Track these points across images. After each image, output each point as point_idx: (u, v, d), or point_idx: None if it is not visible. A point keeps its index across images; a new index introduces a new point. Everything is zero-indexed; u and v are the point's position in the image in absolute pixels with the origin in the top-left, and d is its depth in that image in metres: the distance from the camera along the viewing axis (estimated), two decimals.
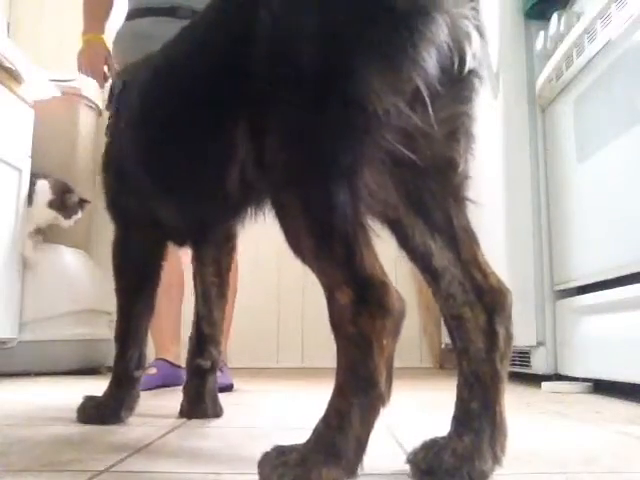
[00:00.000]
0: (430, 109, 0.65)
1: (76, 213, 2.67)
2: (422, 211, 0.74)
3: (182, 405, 1.29)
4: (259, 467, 0.66)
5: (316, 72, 0.65)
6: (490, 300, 0.73)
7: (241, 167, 0.81)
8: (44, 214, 2.58)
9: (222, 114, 0.81)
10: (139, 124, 1.10)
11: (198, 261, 1.31)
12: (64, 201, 2.62)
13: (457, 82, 0.70)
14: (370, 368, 0.63)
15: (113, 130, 1.27)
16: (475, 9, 0.69)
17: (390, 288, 0.64)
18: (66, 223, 2.64)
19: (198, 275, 1.31)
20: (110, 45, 2.02)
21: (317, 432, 0.65)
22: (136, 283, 1.21)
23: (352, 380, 0.64)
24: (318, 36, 0.66)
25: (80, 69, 2.03)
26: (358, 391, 0.64)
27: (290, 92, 0.66)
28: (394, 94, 0.64)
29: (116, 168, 1.21)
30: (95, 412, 1.18)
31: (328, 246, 0.65)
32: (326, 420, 0.65)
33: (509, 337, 0.73)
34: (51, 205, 2.58)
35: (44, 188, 2.58)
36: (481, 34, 0.70)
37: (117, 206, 1.22)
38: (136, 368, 1.22)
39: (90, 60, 1.99)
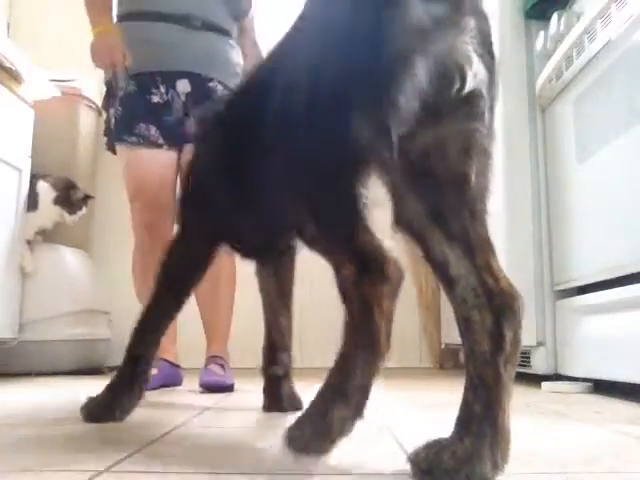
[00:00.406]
0: (395, 147, 0.72)
1: (80, 209, 2.67)
2: (441, 223, 0.78)
3: (264, 402, 1.41)
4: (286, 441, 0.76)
5: (312, 116, 0.76)
6: (499, 303, 0.74)
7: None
8: (50, 212, 2.58)
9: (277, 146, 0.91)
10: (221, 154, 1.20)
11: (262, 275, 1.44)
12: (69, 197, 2.62)
13: (466, 101, 0.75)
14: (372, 328, 0.71)
15: (199, 153, 1.40)
16: (478, 30, 0.74)
17: (388, 258, 0.73)
18: (70, 219, 2.64)
19: (263, 290, 1.44)
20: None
21: (325, 384, 0.74)
22: (177, 282, 1.29)
23: (356, 337, 0.73)
24: (313, 78, 0.77)
25: (97, 63, 1.90)
26: (362, 347, 0.72)
27: (297, 127, 0.78)
28: (377, 133, 0.72)
29: (197, 185, 1.33)
30: (93, 410, 1.20)
31: (335, 237, 0.77)
32: (332, 373, 0.74)
33: (516, 341, 0.74)
34: (56, 201, 2.58)
35: (45, 187, 2.58)
36: (482, 55, 0.75)
37: (190, 217, 1.32)
38: (144, 365, 1.26)
39: (106, 52, 1.87)
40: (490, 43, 0.77)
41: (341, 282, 0.75)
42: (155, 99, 1.93)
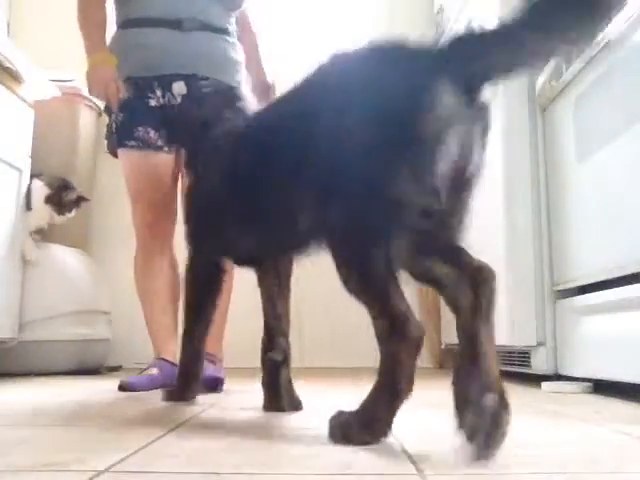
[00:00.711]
0: (443, 198, 0.90)
1: (70, 211, 2.64)
2: (436, 252, 0.97)
3: (263, 400, 1.41)
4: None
5: (364, 177, 0.92)
6: (474, 280, 0.93)
7: (304, 220, 1.06)
8: (42, 211, 2.57)
9: (296, 182, 1.05)
10: (231, 179, 1.32)
11: (261, 270, 1.49)
12: (61, 197, 2.60)
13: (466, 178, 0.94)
14: (395, 381, 0.94)
15: (199, 177, 1.54)
16: (482, 115, 0.93)
17: (412, 321, 0.93)
18: (58, 219, 2.62)
19: (261, 282, 1.48)
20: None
21: (358, 410, 0.97)
22: (203, 292, 1.53)
23: (384, 379, 0.96)
24: (366, 151, 0.91)
25: (92, 92, 1.96)
26: (385, 387, 0.95)
27: (344, 190, 0.94)
28: (417, 195, 0.89)
29: (201, 207, 1.49)
30: (171, 394, 1.57)
31: (369, 290, 0.96)
32: (368, 398, 0.97)
33: (490, 303, 0.93)
34: (47, 200, 2.57)
35: (39, 186, 2.57)
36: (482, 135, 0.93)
37: (197, 238, 1.51)
38: (197, 359, 1.57)
39: (102, 85, 1.91)
40: (488, 125, 0.95)
41: (376, 332, 0.95)
42: (152, 103, 1.96)
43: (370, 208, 0.92)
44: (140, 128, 1.95)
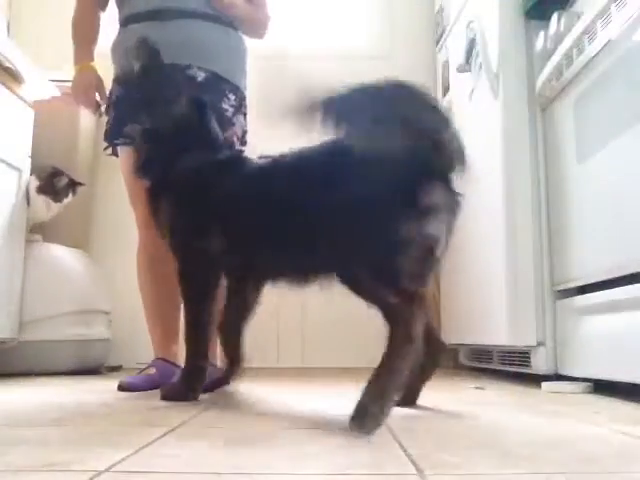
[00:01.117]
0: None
1: (67, 196, 2.64)
2: None
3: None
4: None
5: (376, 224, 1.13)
6: (433, 350, 1.42)
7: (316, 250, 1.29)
8: (38, 203, 2.56)
9: (317, 218, 1.24)
10: (247, 207, 1.45)
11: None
12: (53, 184, 2.59)
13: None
14: (410, 337, 1.09)
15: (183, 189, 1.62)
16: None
17: (423, 294, 1.15)
18: (56, 207, 2.61)
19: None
20: (102, 68, 2.08)
21: (380, 369, 1.09)
22: (201, 300, 1.61)
23: (398, 344, 1.09)
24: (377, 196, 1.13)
25: (75, 99, 2.11)
26: (404, 347, 1.09)
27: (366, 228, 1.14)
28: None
29: (189, 222, 1.59)
30: (172, 393, 1.57)
31: (386, 283, 1.15)
32: (384, 361, 1.09)
33: (433, 372, 1.48)
34: (40, 190, 2.56)
35: (31, 180, 2.56)
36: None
37: (190, 249, 1.61)
38: (202, 360, 1.60)
39: (82, 90, 2.06)
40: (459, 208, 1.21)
41: (390, 309, 1.10)
42: None
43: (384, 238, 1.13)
44: (128, 125, 1.95)
